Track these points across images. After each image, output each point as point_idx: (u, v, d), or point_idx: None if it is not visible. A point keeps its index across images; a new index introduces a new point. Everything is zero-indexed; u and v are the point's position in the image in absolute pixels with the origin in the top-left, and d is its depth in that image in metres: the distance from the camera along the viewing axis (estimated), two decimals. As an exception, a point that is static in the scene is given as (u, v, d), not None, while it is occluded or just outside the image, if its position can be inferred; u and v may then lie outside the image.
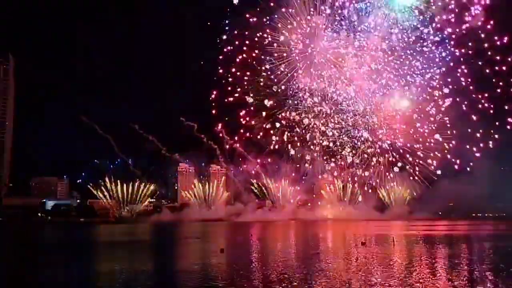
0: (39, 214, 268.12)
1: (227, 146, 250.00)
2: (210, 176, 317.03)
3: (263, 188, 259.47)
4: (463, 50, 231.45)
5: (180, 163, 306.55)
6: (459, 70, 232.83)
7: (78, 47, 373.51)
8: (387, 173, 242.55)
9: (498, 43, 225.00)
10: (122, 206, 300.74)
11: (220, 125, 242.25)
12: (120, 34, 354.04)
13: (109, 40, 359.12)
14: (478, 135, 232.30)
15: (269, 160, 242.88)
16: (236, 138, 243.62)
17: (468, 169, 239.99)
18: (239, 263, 54.58)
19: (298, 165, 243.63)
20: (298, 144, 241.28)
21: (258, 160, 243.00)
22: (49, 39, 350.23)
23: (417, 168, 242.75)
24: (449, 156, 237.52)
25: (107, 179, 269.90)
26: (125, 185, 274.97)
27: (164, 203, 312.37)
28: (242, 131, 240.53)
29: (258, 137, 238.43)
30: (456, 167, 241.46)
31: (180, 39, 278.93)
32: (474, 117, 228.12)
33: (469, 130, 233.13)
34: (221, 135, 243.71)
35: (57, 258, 66.68)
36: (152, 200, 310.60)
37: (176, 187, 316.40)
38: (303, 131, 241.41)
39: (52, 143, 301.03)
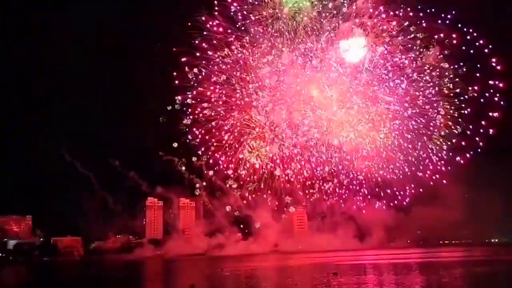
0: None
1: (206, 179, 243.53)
2: (179, 209, 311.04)
3: (243, 220, 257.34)
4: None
5: (148, 197, 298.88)
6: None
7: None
8: (364, 203, 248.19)
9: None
10: (88, 243, 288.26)
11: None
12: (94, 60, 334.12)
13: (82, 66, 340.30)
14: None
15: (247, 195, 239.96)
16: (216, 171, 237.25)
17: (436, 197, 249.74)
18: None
19: (278, 197, 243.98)
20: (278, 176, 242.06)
21: (238, 194, 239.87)
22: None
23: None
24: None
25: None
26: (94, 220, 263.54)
27: (132, 239, 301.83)
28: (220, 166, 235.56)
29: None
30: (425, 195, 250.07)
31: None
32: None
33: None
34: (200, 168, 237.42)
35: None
36: (119, 236, 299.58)
37: (144, 222, 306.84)
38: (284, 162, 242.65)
39: (16, 179, 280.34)
